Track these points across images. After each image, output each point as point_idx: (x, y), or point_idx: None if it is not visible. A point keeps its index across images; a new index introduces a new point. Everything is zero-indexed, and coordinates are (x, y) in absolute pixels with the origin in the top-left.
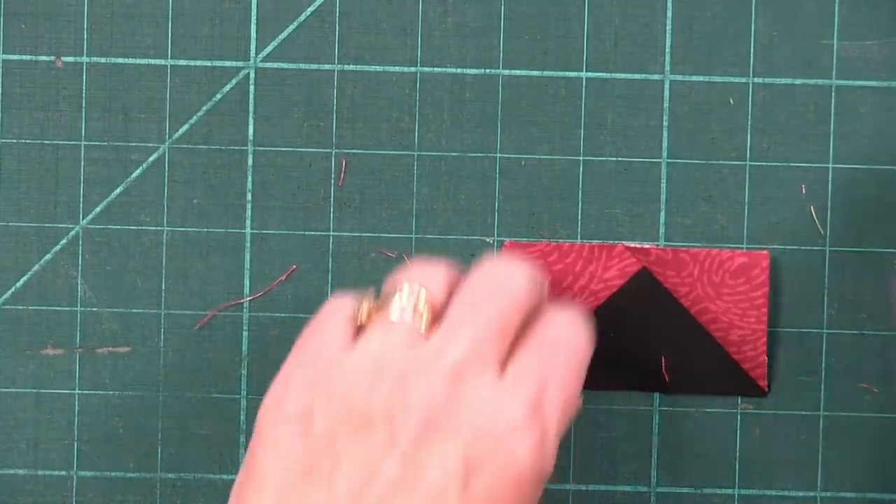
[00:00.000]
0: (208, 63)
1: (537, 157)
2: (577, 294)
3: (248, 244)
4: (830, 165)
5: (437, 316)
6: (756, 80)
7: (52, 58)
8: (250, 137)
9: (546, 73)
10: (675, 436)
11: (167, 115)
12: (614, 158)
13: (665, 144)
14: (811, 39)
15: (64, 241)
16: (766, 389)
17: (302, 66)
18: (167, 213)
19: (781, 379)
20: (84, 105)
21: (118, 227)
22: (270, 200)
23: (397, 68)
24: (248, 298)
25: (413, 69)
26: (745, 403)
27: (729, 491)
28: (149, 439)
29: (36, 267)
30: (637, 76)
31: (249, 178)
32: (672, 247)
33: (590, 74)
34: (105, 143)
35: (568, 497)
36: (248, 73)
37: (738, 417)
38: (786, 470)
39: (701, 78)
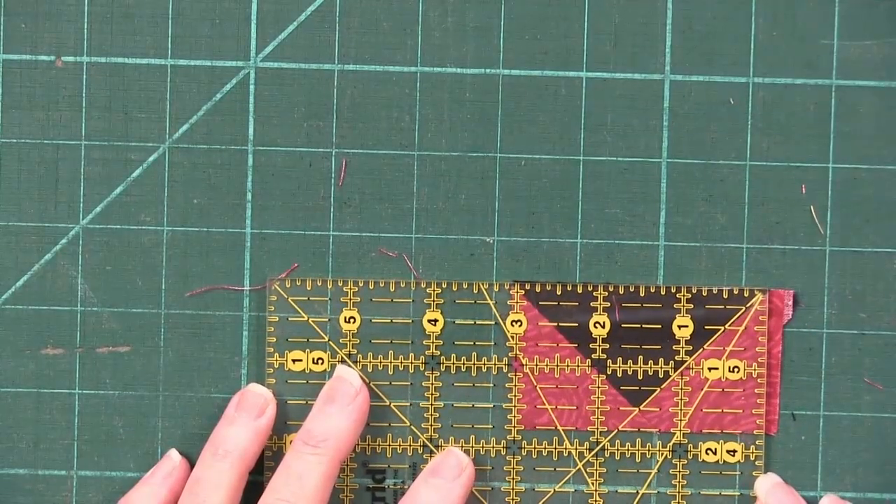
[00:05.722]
0: (208, 63)
1: (537, 156)
2: None
3: (248, 244)
4: (830, 165)
5: None
6: (756, 79)
7: (53, 57)
8: (250, 137)
9: (546, 72)
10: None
11: (167, 114)
12: (614, 158)
13: (665, 144)
14: (811, 39)
15: (64, 240)
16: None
17: (302, 65)
18: (167, 212)
19: (781, 380)
20: (84, 105)
21: (118, 226)
22: (270, 200)
23: (397, 68)
24: (248, 288)
25: (413, 69)
26: None
27: (730, 491)
28: (149, 439)
29: (36, 267)
30: (637, 76)
31: (249, 178)
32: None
33: (590, 74)
34: (105, 143)
35: (568, 497)
36: (249, 73)
37: None
38: (786, 470)
39: (701, 78)
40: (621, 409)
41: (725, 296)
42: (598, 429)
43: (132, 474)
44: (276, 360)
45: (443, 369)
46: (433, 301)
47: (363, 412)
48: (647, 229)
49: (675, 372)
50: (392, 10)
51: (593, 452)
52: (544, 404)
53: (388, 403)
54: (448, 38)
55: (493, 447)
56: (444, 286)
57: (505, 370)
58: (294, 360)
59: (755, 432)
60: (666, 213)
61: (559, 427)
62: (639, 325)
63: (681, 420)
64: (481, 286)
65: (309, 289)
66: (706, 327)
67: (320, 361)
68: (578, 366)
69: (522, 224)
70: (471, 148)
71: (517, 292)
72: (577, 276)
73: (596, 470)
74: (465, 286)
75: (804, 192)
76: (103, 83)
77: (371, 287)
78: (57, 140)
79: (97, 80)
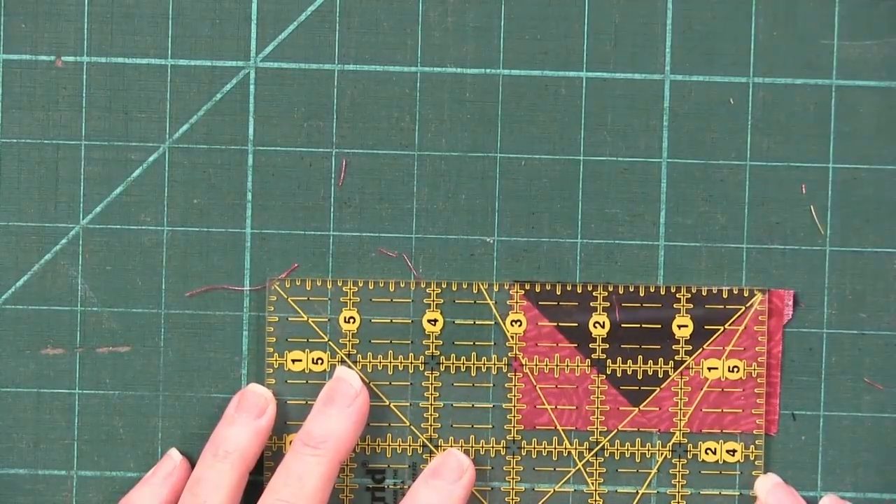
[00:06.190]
0: (208, 63)
1: (537, 157)
2: None
3: (248, 244)
4: (830, 165)
5: None
6: (756, 79)
7: (53, 57)
8: (250, 137)
9: (546, 72)
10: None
11: (167, 114)
12: (614, 158)
13: (665, 144)
14: (811, 39)
15: (64, 240)
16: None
17: (302, 65)
18: (167, 212)
19: (782, 380)
20: (84, 105)
21: (118, 226)
22: (270, 200)
23: (397, 68)
24: (248, 288)
25: (413, 69)
26: None
27: (730, 491)
28: (149, 439)
29: (36, 267)
30: (637, 76)
31: (249, 178)
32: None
33: (590, 74)
34: (105, 143)
35: (568, 497)
36: (249, 73)
37: None
38: (786, 470)
39: (701, 78)
40: (621, 408)
41: (725, 296)
42: (597, 429)
43: (132, 474)
44: (276, 361)
45: (442, 369)
46: (433, 301)
47: (363, 413)
48: (647, 229)
49: (674, 372)
50: (392, 10)
51: (593, 452)
52: (544, 404)
53: (387, 403)
54: (448, 38)
55: (492, 447)
56: (443, 286)
57: (505, 370)
58: (294, 361)
59: (755, 432)
60: (666, 213)
61: (559, 427)
62: (638, 325)
63: (680, 420)
64: (481, 286)
65: (309, 289)
66: (706, 327)
67: (320, 361)
68: (578, 366)
69: (522, 224)
70: (471, 148)
71: (517, 292)
72: (577, 276)
73: (596, 470)
74: (464, 286)
75: (804, 192)
76: (103, 83)
77: (371, 287)
78: (57, 140)
79: (97, 80)
